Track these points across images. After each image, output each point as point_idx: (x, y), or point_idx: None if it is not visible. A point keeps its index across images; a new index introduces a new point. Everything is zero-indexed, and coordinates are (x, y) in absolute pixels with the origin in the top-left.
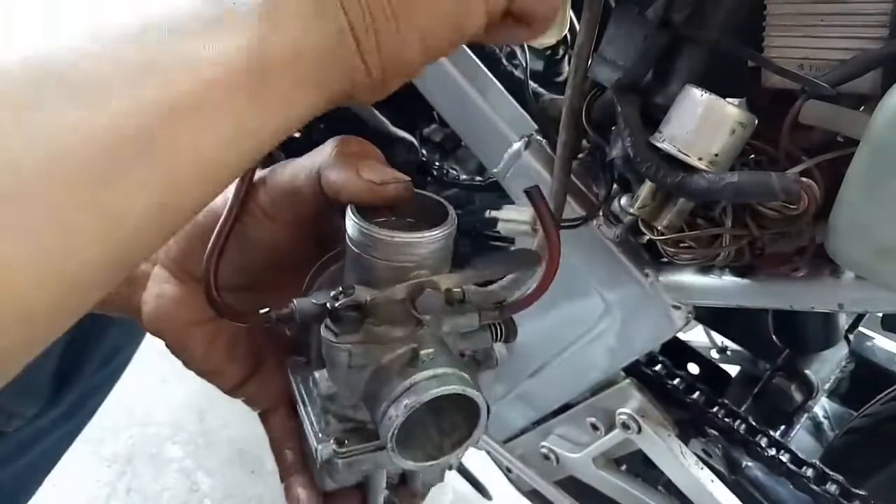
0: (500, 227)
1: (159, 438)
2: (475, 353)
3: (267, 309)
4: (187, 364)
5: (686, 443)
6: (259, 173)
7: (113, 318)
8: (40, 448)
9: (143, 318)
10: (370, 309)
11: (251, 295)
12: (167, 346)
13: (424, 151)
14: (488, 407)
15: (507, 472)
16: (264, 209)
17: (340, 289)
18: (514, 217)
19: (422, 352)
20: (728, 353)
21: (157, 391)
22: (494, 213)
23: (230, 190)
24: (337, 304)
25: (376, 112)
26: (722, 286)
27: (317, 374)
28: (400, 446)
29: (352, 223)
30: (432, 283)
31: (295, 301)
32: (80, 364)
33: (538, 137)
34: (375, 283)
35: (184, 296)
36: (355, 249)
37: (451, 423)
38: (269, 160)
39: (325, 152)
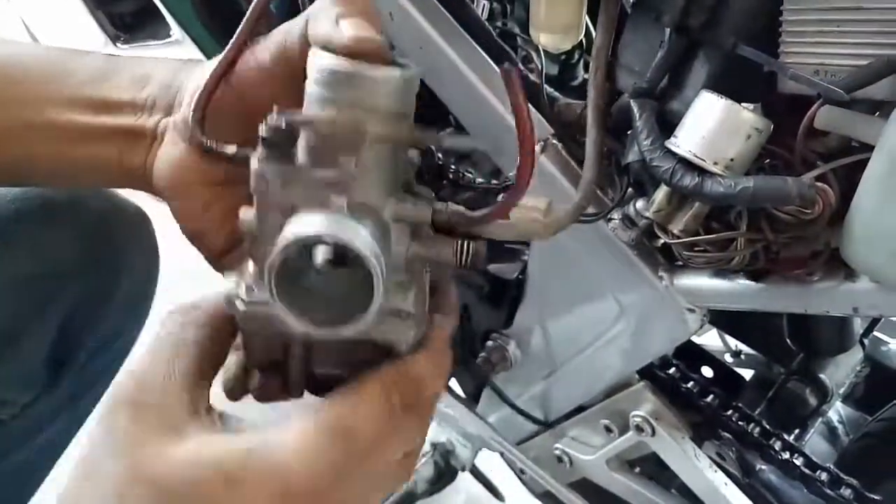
0: (512, 213)
1: None
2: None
3: (239, 148)
4: (181, 220)
5: (700, 445)
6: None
7: (110, 302)
8: (43, 438)
9: (153, 177)
10: (298, 137)
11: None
12: (169, 206)
13: (440, 155)
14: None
15: (520, 473)
16: (261, 65)
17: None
18: (527, 203)
19: (332, 196)
20: (742, 356)
21: None
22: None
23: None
24: (263, 131)
25: None
26: (736, 290)
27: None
28: (290, 303)
29: (312, 59)
30: (354, 120)
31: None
32: (75, 350)
33: (554, 141)
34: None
35: (189, 158)
36: (311, 86)
37: (354, 297)
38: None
39: (313, 8)
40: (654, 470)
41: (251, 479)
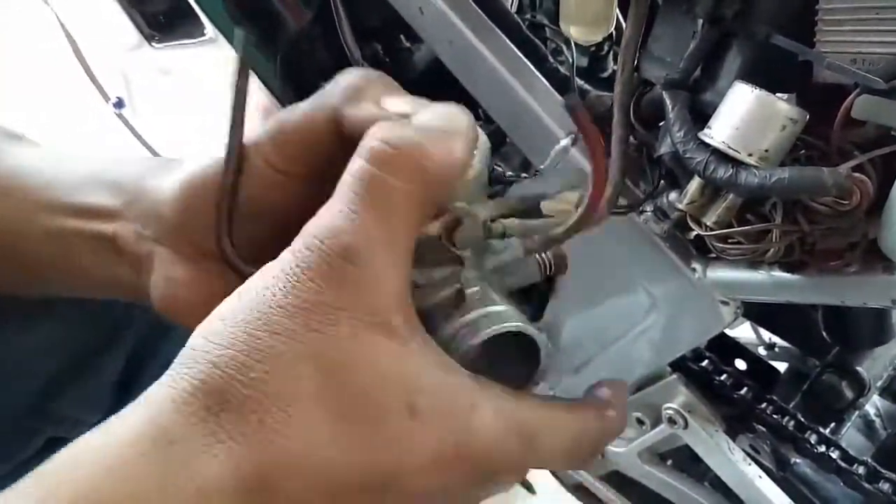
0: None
1: None
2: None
3: None
4: None
5: (734, 438)
6: (262, 126)
7: (174, 328)
8: None
9: (154, 304)
10: None
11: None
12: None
13: None
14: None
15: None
16: (275, 165)
17: None
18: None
19: (467, 291)
20: (776, 349)
21: None
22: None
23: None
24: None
25: None
26: (771, 282)
27: None
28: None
29: None
30: (469, 214)
31: None
32: (142, 373)
33: None
34: None
35: (194, 275)
36: None
37: (507, 371)
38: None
39: (337, 90)
40: (686, 463)
41: (437, 426)
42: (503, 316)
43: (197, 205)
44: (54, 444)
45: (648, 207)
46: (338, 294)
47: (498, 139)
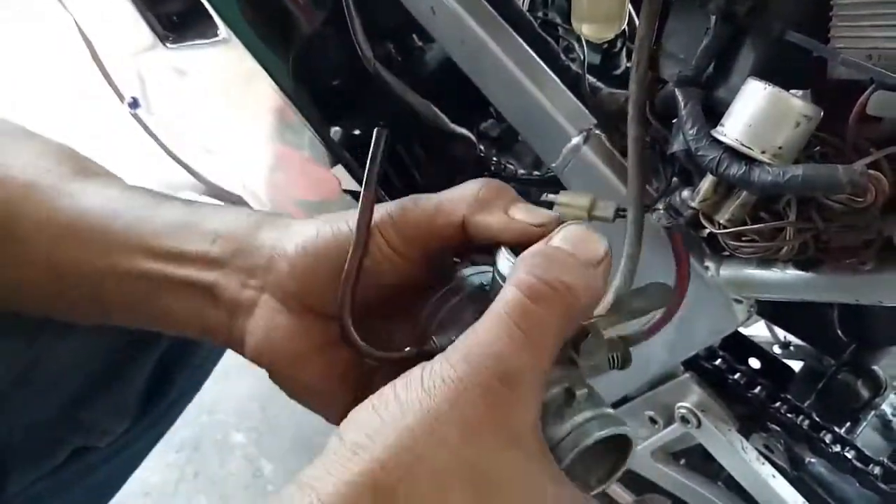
0: (556, 211)
1: (224, 426)
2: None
3: (408, 348)
4: (294, 393)
5: (747, 437)
6: (383, 209)
7: (200, 343)
8: (130, 452)
9: (246, 347)
10: None
11: (360, 325)
12: (272, 376)
13: (482, 146)
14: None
15: None
16: (395, 248)
17: None
18: (571, 202)
19: (577, 392)
20: (791, 347)
21: (221, 383)
22: (551, 197)
23: (352, 221)
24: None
25: (434, 108)
26: (785, 280)
27: None
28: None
29: (509, 264)
30: (594, 328)
31: (434, 339)
32: (169, 383)
33: (597, 132)
34: None
35: (298, 327)
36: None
37: (595, 459)
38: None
39: (466, 197)
40: (699, 462)
41: None
42: (608, 419)
43: (315, 269)
44: (81, 454)
45: (661, 205)
46: (492, 413)
47: (510, 137)
